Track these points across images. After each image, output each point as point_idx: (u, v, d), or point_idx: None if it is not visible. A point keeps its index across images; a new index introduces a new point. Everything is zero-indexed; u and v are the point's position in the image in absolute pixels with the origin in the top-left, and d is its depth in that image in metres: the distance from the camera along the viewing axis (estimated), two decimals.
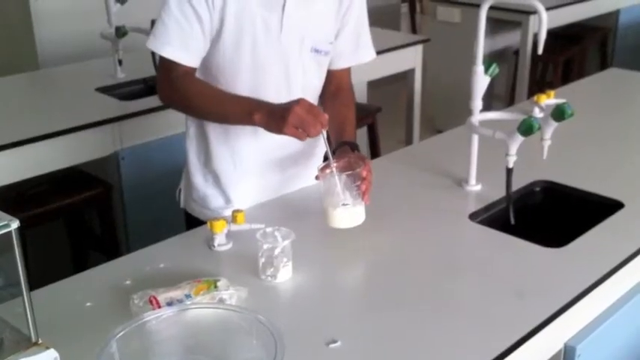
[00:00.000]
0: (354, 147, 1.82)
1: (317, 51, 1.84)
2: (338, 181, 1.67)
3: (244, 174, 1.90)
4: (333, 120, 1.77)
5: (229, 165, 1.89)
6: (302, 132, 1.60)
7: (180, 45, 1.71)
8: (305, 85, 1.86)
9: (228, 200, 1.91)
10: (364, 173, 1.69)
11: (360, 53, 1.96)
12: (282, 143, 1.74)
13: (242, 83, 1.78)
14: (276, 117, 1.62)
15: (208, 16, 1.70)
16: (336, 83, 1.97)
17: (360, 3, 1.90)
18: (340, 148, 1.80)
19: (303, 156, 1.94)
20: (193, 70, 1.77)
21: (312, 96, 1.90)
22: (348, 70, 2.00)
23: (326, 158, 1.74)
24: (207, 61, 1.78)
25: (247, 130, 1.80)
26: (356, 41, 1.93)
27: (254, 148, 1.86)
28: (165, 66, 1.76)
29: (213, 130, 1.86)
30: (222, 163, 1.89)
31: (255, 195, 1.91)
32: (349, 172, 1.68)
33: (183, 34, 1.70)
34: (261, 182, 1.92)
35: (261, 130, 1.68)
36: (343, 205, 1.68)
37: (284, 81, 1.82)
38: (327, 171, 1.69)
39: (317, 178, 1.72)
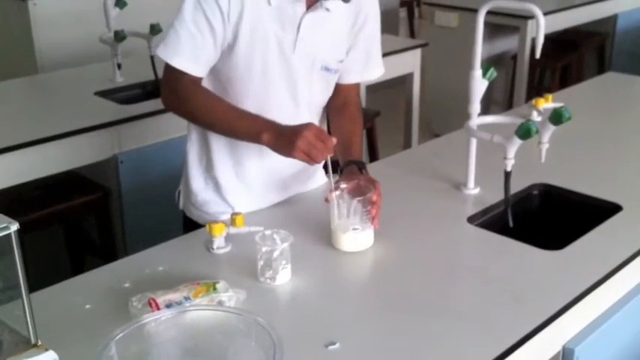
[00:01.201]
0: (361, 166, 1.81)
1: (327, 69, 1.83)
2: (348, 206, 1.68)
3: (245, 184, 1.88)
4: (338, 134, 1.77)
5: (230, 174, 1.87)
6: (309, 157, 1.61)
7: (191, 56, 1.70)
8: (310, 101, 1.86)
9: (227, 207, 1.89)
10: (374, 198, 1.69)
11: (368, 70, 1.94)
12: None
13: (250, 97, 1.77)
14: (285, 140, 1.62)
15: (222, 29, 1.68)
16: (343, 97, 1.94)
17: (373, 21, 1.88)
18: (347, 168, 1.79)
19: (305, 166, 1.93)
20: (200, 79, 1.75)
21: (317, 111, 1.90)
22: (356, 85, 1.98)
23: (326, 167, 1.74)
24: (217, 73, 1.76)
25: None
26: (366, 58, 1.91)
27: (256, 159, 1.85)
28: (171, 75, 1.73)
29: (216, 138, 1.84)
30: (223, 172, 1.87)
31: (254, 204, 1.89)
32: (360, 198, 1.68)
33: (195, 46, 1.69)
34: (261, 192, 1.90)
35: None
36: (353, 229, 1.69)
37: (290, 96, 1.81)
38: (337, 194, 1.69)
39: (326, 200, 1.72)
